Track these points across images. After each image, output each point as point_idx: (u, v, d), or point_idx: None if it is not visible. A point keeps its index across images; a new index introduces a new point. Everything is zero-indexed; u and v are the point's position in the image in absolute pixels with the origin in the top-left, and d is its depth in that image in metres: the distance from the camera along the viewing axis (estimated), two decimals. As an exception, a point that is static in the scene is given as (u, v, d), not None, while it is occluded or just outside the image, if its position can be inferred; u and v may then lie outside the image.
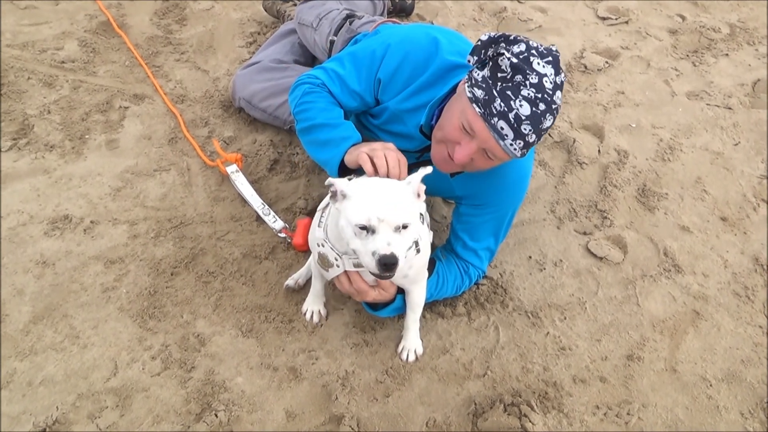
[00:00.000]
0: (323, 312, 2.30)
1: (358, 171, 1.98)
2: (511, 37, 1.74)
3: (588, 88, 3.39)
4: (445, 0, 3.87)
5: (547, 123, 1.75)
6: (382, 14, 3.36)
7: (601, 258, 2.59)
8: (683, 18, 3.95)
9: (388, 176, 1.81)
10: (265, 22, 3.54)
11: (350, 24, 2.77)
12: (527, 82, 1.69)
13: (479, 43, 1.77)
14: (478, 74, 1.77)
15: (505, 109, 1.71)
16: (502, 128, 1.74)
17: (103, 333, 2.20)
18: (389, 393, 2.12)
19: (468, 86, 1.78)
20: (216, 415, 2.01)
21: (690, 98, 3.39)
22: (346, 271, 1.93)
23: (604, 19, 3.90)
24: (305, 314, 2.30)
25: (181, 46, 3.36)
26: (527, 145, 1.78)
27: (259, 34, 3.48)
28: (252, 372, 2.14)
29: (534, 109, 1.70)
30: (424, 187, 1.80)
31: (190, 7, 3.60)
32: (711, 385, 2.22)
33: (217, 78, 3.20)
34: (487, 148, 1.81)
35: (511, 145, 1.76)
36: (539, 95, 1.70)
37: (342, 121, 2.04)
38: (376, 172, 1.82)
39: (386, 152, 1.86)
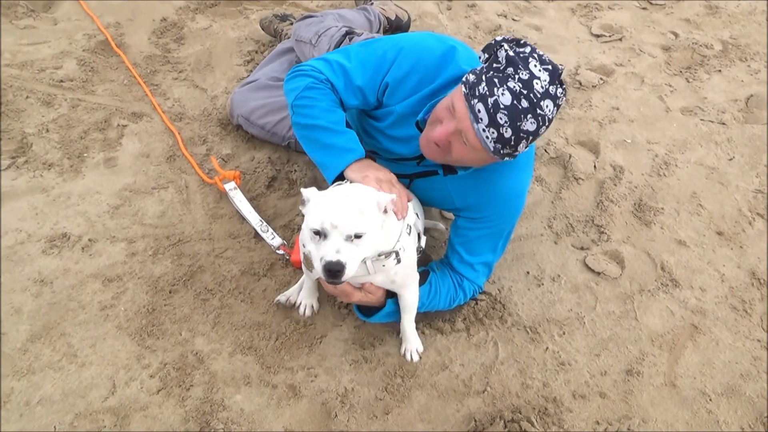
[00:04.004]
0: (316, 306, 2.34)
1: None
2: (522, 41, 1.79)
3: (583, 104, 3.42)
4: (441, 17, 3.92)
5: (528, 125, 1.75)
6: (378, 32, 3.40)
7: (598, 273, 2.60)
8: (676, 35, 3.99)
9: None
10: (263, 41, 3.57)
11: (350, 41, 2.80)
12: (517, 76, 1.73)
13: (493, 41, 1.83)
14: (480, 67, 1.83)
15: (487, 93, 1.74)
16: (479, 111, 1.75)
17: (101, 351, 2.19)
18: (389, 410, 2.12)
19: (467, 74, 1.84)
20: (215, 434, 2.00)
21: (684, 114, 3.42)
22: None
23: (598, 36, 3.94)
24: (299, 307, 2.33)
25: (180, 64, 3.38)
26: (501, 140, 1.77)
27: (256, 52, 3.50)
28: (251, 390, 2.14)
29: (515, 102, 1.72)
30: (392, 205, 1.82)
31: (188, 26, 3.63)
32: (711, 400, 2.22)
33: (215, 96, 3.22)
34: (462, 129, 1.82)
35: (484, 131, 1.77)
36: (525, 91, 1.72)
37: (345, 129, 2.05)
38: None
39: (391, 188, 1.93)
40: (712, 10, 4.24)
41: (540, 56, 1.77)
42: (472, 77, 1.80)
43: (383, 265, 1.92)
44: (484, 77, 1.76)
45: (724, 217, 2.87)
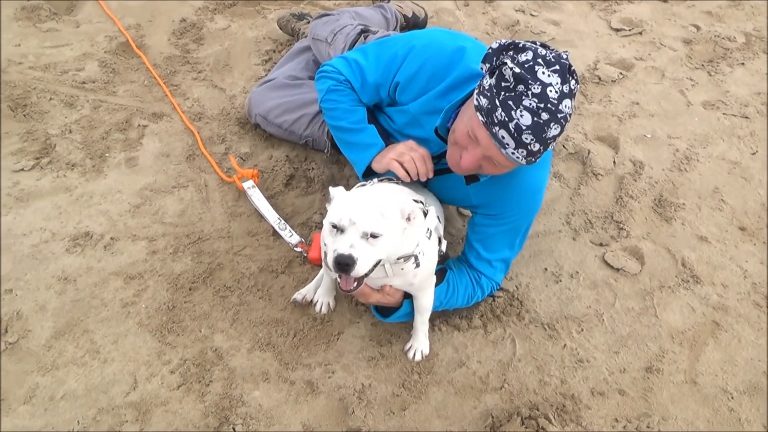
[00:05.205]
0: (332, 304, 2.37)
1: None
2: (520, 45, 1.73)
3: (602, 99, 3.39)
4: (458, 14, 3.91)
5: (553, 132, 1.73)
6: (395, 29, 3.40)
7: (617, 269, 2.57)
8: (698, 28, 3.93)
9: (418, 178, 2.02)
10: (280, 40, 3.59)
11: (365, 39, 2.80)
12: (529, 92, 1.68)
13: (490, 50, 1.78)
14: (486, 82, 1.78)
15: (506, 118, 1.71)
16: (503, 137, 1.75)
17: (123, 348, 2.23)
18: (406, 406, 2.12)
19: (476, 93, 1.80)
20: (234, 429, 2.02)
21: (706, 108, 3.37)
22: None
23: (617, 30, 3.90)
24: (315, 305, 2.36)
25: (199, 65, 3.42)
26: (531, 153, 1.77)
27: (274, 51, 3.53)
28: (269, 385, 2.16)
29: (536, 119, 1.69)
30: (415, 214, 1.80)
31: (207, 26, 3.67)
32: (732, 398, 2.19)
33: (233, 95, 3.25)
34: (490, 156, 1.83)
35: (513, 153, 1.77)
36: (542, 105, 1.68)
37: (365, 126, 2.17)
38: (409, 177, 2.06)
39: (412, 154, 2.05)
40: (735, 2, 4.17)
41: (544, 57, 1.70)
42: (484, 101, 1.76)
43: (402, 269, 1.93)
44: (497, 101, 1.72)
45: (746, 212, 2.83)
